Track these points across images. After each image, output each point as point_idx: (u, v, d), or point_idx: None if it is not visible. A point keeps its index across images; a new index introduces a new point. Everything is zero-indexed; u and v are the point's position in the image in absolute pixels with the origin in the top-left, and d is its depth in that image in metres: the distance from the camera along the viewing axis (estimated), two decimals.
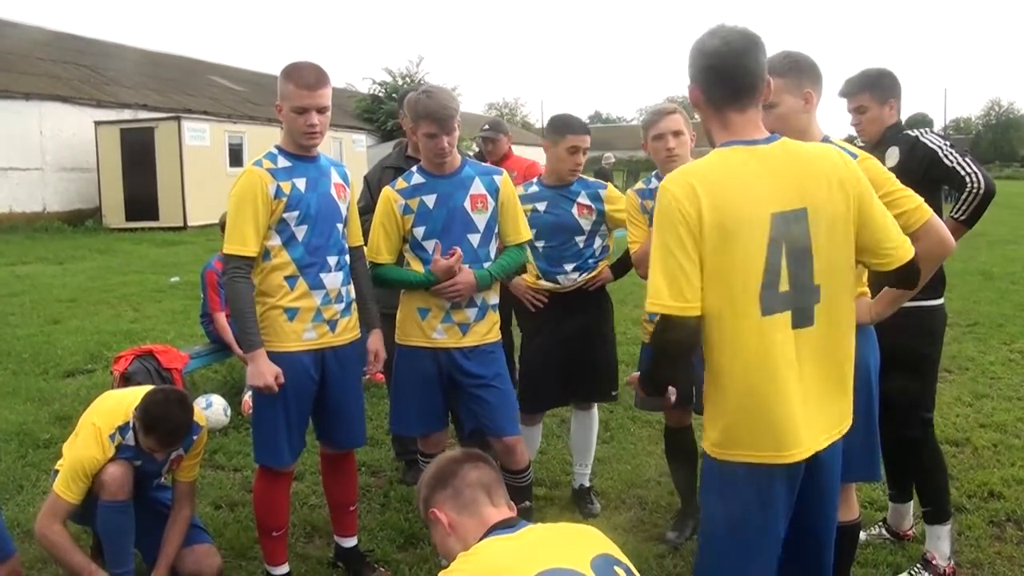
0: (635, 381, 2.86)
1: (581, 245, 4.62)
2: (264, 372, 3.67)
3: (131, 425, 3.79)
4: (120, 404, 3.89)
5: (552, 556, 2.13)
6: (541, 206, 4.62)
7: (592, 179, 4.79)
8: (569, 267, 4.62)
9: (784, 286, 2.44)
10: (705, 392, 2.58)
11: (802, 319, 2.48)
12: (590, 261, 4.65)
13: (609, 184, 4.76)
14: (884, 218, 2.59)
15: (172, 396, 3.82)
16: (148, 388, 3.97)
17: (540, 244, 4.63)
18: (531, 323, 4.81)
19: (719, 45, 2.52)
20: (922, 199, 2.98)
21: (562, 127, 4.59)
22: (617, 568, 2.23)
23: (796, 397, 2.47)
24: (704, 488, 2.68)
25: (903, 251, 2.59)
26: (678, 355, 2.50)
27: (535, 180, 4.77)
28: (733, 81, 2.53)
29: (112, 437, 3.78)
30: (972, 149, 55.32)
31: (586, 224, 4.61)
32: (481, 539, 2.30)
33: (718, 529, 2.60)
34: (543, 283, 4.65)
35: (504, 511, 2.43)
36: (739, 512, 2.53)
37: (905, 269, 2.61)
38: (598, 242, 4.66)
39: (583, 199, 4.62)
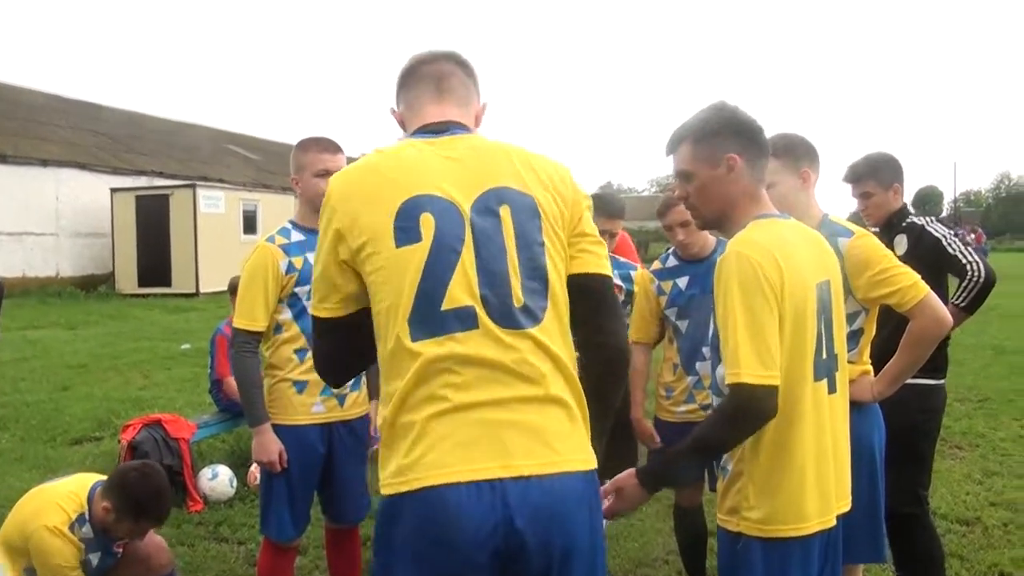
0: (618, 489, 2.60)
1: None
2: (269, 448, 3.70)
3: (85, 517, 3.69)
4: (53, 500, 3.72)
5: (432, 180, 2.00)
6: None
7: (623, 259, 4.80)
8: None
9: (824, 353, 2.47)
10: (746, 470, 2.45)
11: (832, 386, 2.51)
12: None
13: (640, 266, 4.68)
14: None
15: (148, 470, 3.80)
16: (78, 476, 3.95)
17: None
18: None
19: (753, 120, 2.53)
20: (919, 277, 3.01)
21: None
22: (503, 208, 2.03)
23: (832, 460, 2.49)
24: (740, 573, 2.49)
25: None
26: (756, 430, 2.37)
27: None
28: (765, 158, 2.57)
29: (72, 529, 3.65)
30: (983, 222, 55.39)
31: None
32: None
33: None
34: None
35: (448, 111, 2.19)
36: None
37: None
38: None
39: (615, 279, 4.61)
